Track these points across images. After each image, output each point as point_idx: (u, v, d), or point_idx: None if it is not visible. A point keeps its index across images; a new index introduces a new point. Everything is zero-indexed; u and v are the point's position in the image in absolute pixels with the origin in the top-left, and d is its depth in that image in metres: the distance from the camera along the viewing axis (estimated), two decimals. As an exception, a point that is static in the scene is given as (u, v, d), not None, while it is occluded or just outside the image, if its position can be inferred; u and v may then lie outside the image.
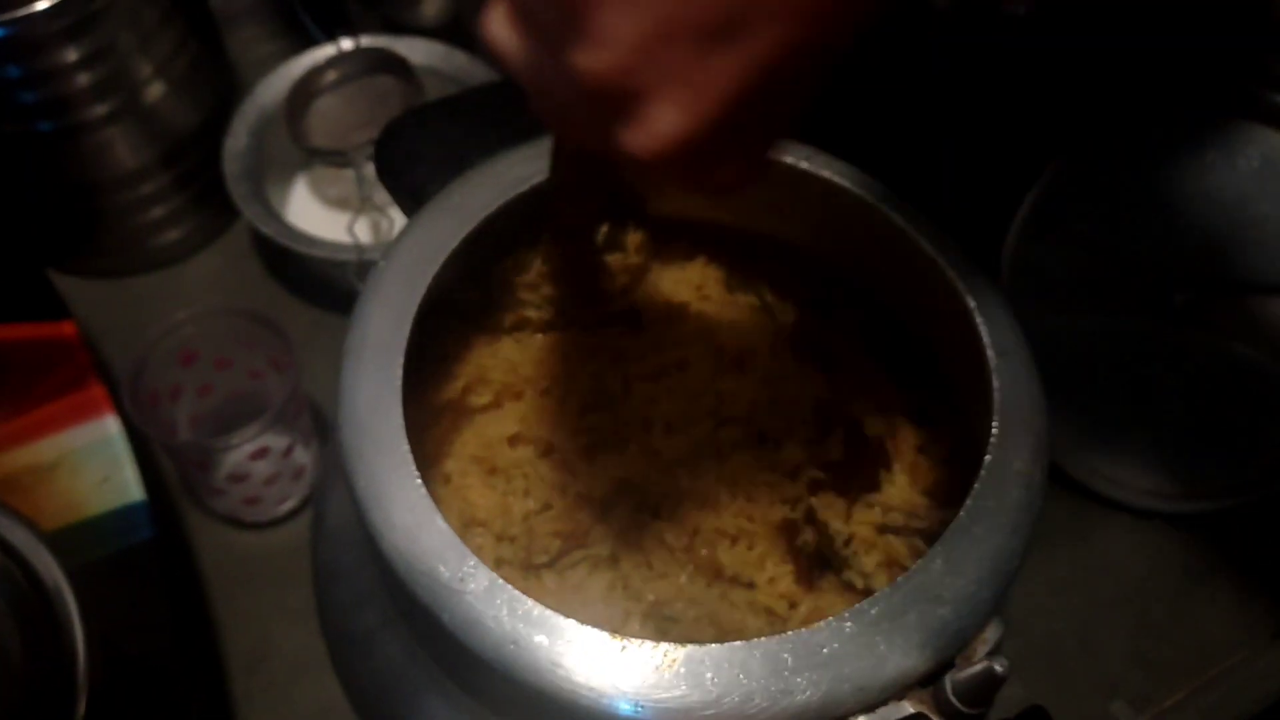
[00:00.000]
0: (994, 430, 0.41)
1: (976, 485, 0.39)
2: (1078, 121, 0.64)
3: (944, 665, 0.36)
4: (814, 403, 0.51)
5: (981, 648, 0.37)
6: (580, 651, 0.35)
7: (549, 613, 0.36)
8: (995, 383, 0.42)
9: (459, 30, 0.81)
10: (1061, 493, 0.67)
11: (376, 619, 0.45)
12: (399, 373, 0.41)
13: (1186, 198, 0.63)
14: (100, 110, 0.70)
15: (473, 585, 0.36)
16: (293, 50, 0.80)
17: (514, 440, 0.49)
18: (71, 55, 0.67)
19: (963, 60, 0.66)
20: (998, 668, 0.35)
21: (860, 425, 0.51)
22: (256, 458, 0.63)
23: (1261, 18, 0.64)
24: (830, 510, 0.48)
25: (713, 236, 0.54)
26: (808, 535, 0.48)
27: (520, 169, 0.47)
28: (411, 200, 0.50)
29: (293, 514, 0.69)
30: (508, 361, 0.51)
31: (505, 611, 0.36)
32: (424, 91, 0.76)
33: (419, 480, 0.38)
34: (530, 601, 0.36)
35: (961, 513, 0.39)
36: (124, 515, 0.55)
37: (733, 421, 0.50)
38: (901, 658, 0.36)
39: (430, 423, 0.50)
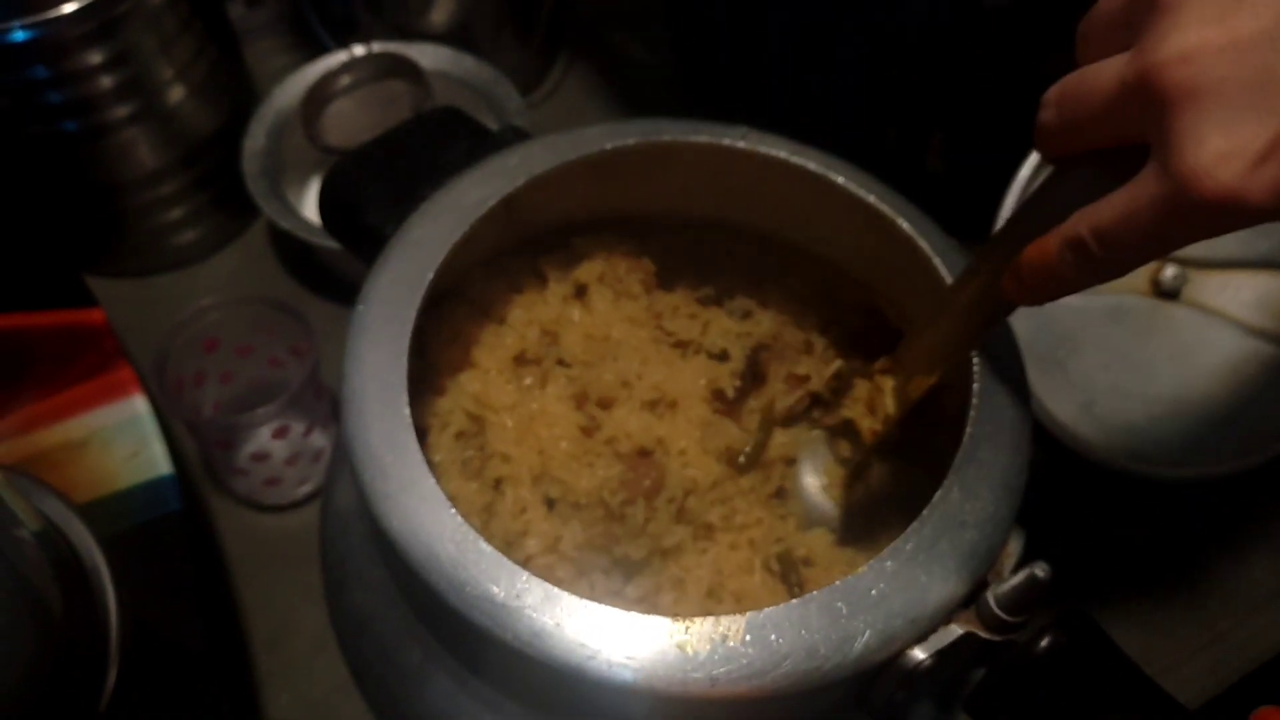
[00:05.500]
0: (975, 362, 0.42)
1: (972, 412, 0.41)
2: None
3: (981, 584, 0.38)
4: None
5: (1009, 560, 0.39)
6: (649, 642, 0.35)
7: (610, 609, 0.36)
8: None
9: (467, 35, 0.82)
10: (1058, 463, 0.68)
11: (418, 656, 0.44)
12: (406, 411, 0.40)
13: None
14: (123, 111, 0.70)
15: (530, 599, 0.36)
16: (307, 61, 0.81)
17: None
18: (96, 58, 0.67)
19: (948, 50, 0.67)
20: (1039, 573, 0.36)
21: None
22: (278, 437, 0.63)
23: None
24: None
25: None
26: None
27: (476, 191, 0.47)
28: (367, 245, 0.49)
29: (310, 497, 0.69)
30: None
31: (566, 618, 0.36)
32: (433, 94, 0.77)
33: (454, 510, 0.38)
34: (589, 603, 0.36)
35: (965, 440, 0.40)
36: (153, 488, 0.56)
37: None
38: (942, 585, 0.37)
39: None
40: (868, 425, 0.50)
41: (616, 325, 0.52)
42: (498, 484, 0.48)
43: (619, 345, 0.52)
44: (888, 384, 0.49)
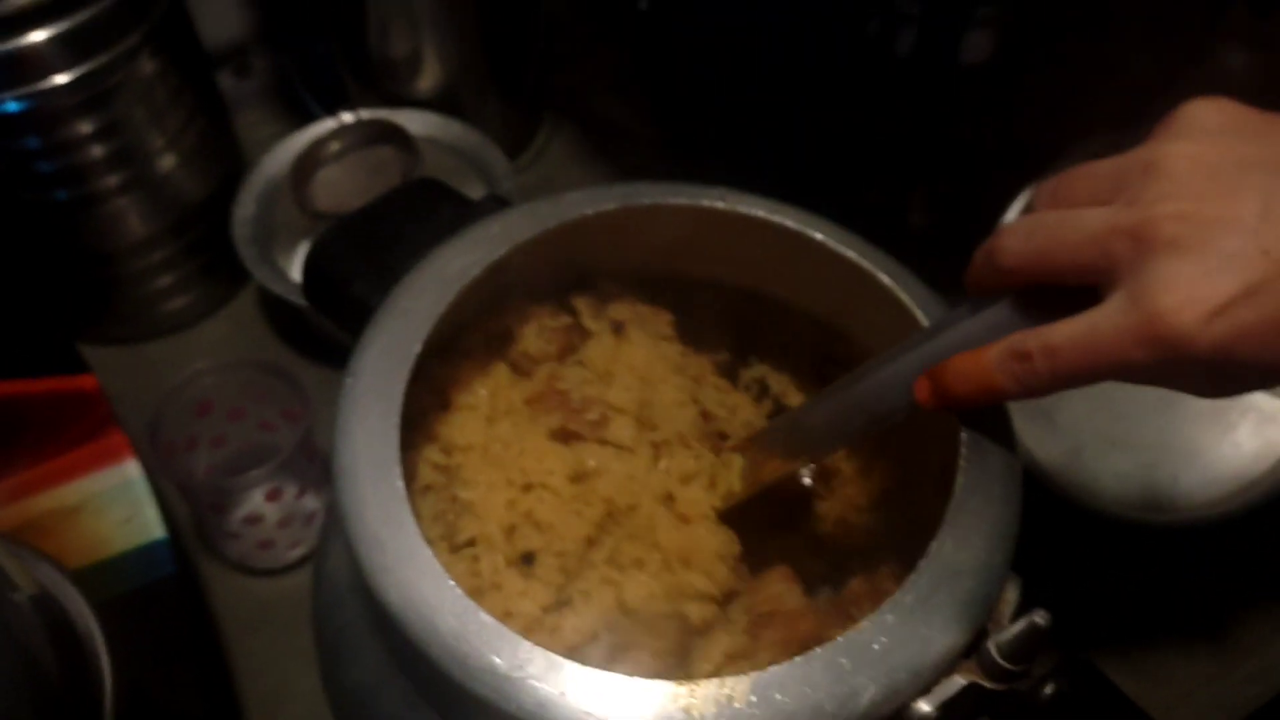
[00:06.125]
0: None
1: (961, 462, 0.41)
2: (1046, 150, 0.67)
3: (981, 633, 0.38)
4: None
5: (1007, 609, 0.39)
6: (655, 707, 0.35)
7: (614, 676, 0.36)
8: None
9: (454, 101, 0.83)
10: (1049, 510, 0.68)
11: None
12: (400, 484, 0.40)
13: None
14: (114, 180, 0.71)
15: (533, 669, 0.36)
16: (296, 129, 0.82)
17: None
18: (87, 128, 0.68)
19: (927, 108, 0.68)
20: (1039, 621, 0.36)
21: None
22: (271, 499, 0.63)
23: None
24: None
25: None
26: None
27: (460, 260, 0.47)
28: (352, 317, 0.48)
29: (302, 561, 0.68)
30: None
31: (570, 686, 0.36)
32: (422, 159, 0.78)
33: (452, 582, 0.38)
34: (591, 670, 0.36)
35: (956, 491, 0.40)
36: (147, 552, 0.56)
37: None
38: (943, 635, 0.37)
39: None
40: (704, 502, 0.50)
41: (653, 364, 0.53)
42: (472, 548, 0.47)
43: (647, 380, 0.52)
44: (736, 461, 0.50)
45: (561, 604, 0.46)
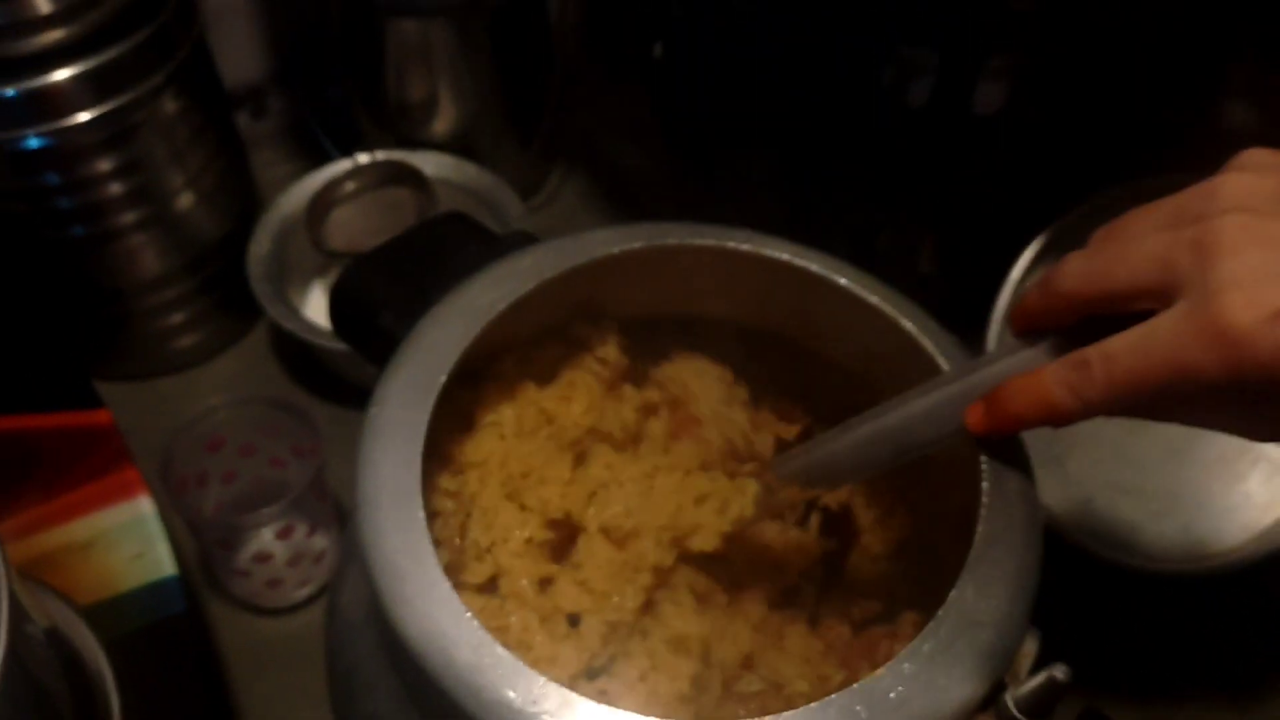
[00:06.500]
0: (983, 460, 0.42)
1: (983, 511, 0.40)
2: (1055, 201, 0.67)
3: (998, 686, 0.37)
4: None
5: (1025, 661, 0.38)
6: None
7: (626, 714, 0.35)
8: None
9: (468, 144, 0.84)
10: (1062, 560, 0.67)
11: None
12: (421, 515, 0.40)
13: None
14: (131, 218, 0.71)
15: (547, 705, 0.35)
16: (311, 169, 0.82)
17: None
18: (107, 165, 0.68)
19: (939, 156, 0.68)
20: (1059, 675, 0.35)
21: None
22: (282, 536, 0.63)
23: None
24: None
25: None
26: None
27: (487, 294, 0.47)
28: (378, 347, 0.48)
29: (309, 600, 0.68)
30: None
31: None
32: (437, 199, 0.78)
33: (470, 614, 0.37)
34: (606, 708, 0.35)
35: (976, 540, 0.40)
36: (157, 589, 0.55)
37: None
38: (960, 686, 0.36)
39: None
40: (714, 526, 0.49)
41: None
42: (497, 596, 0.47)
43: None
44: (750, 486, 0.49)
45: (598, 670, 0.45)
